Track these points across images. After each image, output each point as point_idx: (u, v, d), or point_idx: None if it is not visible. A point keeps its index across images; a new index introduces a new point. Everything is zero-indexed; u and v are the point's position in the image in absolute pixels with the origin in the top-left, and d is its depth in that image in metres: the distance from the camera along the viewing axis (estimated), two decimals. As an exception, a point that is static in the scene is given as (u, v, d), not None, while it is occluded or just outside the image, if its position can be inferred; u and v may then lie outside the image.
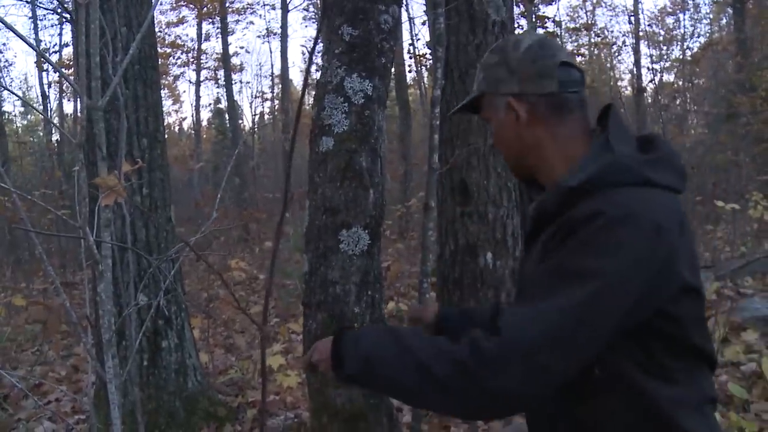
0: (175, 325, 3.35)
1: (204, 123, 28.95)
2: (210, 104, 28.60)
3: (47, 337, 5.81)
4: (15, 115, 24.91)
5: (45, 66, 16.62)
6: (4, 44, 16.61)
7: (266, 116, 28.54)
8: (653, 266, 1.13)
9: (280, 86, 23.68)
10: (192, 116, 29.75)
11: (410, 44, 12.34)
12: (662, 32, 25.13)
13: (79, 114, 20.94)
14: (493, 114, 1.44)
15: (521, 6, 13.97)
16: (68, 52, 19.32)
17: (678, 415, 1.20)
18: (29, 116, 27.67)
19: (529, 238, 1.39)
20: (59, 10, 11.69)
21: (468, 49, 2.98)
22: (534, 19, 13.60)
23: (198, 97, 26.38)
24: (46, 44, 18.82)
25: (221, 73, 23.56)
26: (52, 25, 19.31)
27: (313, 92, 2.01)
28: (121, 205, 2.94)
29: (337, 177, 1.85)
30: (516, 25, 12.78)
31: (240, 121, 19.50)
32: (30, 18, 17.71)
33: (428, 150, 2.49)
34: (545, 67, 1.36)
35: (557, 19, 17.89)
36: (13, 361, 5.50)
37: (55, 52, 18.39)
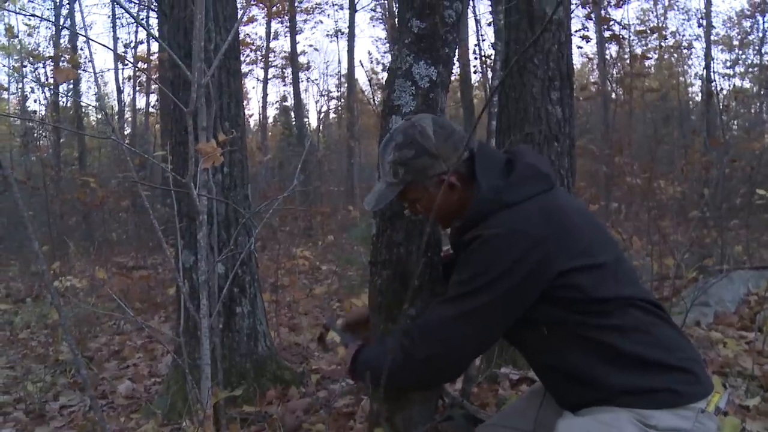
0: (248, 293, 3.66)
1: (270, 120, 29.63)
2: (277, 101, 29.21)
3: (129, 305, 6.22)
4: (91, 110, 25.97)
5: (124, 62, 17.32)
6: (85, 42, 17.44)
7: (332, 115, 29.04)
8: (517, 264, 1.53)
9: (346, 85, 24.12)
10: (259, 113, 30.43)
11: (476, 45, 12.47)
12: (738, 36, 24.51)
13: (151, 108, 21.76)
14: (422, 194, 1.76)
15: (588, 8, 13.96)
16: (142, 49, 20.20)
17: (623, 341, 1.55)
18: (104, 111, 28.77)
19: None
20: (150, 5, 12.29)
21: (526, 45, 3.19)
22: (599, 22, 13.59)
23: (265, 95, 27.04)
24: (123, 41, 19.65)
25: (288, 71, 24.06)
26: (128, 24, 20.09)
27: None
28: (207, 181, 3.26)
29: (404, 151, 2.11)
30: (582, 27, 12.80)
31: (305, 119, 19.96)
32: (109, 17, 18.56)
33: (486, 135, 2.73)
34: (456, 141, 1.73)
35: (624, 22, 17.76)
36: (96, 331, 5.95)
37: (133, 48, 19.25)
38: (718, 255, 6.43)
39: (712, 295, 4.56)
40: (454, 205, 1.74)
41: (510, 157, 1.75)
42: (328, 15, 42.66)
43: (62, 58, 15.43)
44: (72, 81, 18.48)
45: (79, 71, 16.92)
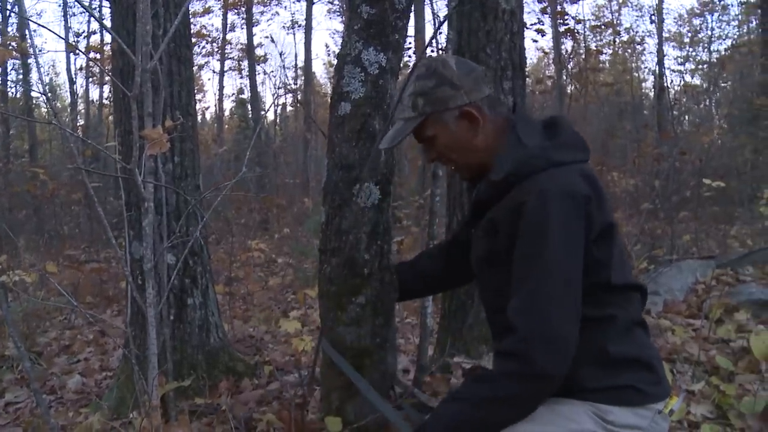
0: (200, 284, 3.61)
1: (226, 113, 29.34)
2: (233, 94, 28.94)
3: (80, 298, 6.11)
4: (42, 100, 25.39)
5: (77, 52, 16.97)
6: (35, 31, 17.05)
7: (288, 107, 28.85)
8: (578, 221, 1.45)
9: (303, 78, 24.00)
10: (215, 106, 30.13)
11: (432, 38, 12.48)
12: (688, 33, 25.08)
13: (104, 100, 21.36)
14: (442, 129, 1.65)
15: (544, 2, 14.12)
16: (95, 39, 19.82)
17: (608, 336, 1.52)
18: (55, 102, 28.20)
19: (471, 221, 1.75)
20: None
21: (479, 35, 3.20)
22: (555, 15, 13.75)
23: (221, 87, 26.86)
24: (75, 30, 19.25)
25: (245, 63, 23.84)
26: (81, 12, 19.69)
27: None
28: (156, 170, 3.20)
29: (353, 137, 2.10)
30: (537, 21, 12.94)
31: (262, 112, 19.79)
32: (60, 5, 18.14)
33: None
34: (478, 75, 1.66)
35: (579, 17, 18.00)
36: (45, 326, 5.82)
37: (85, 38, 18.86)
38: (668, 245, 6.58)
39: (662, 284, 4.66)
40: (476, 148, 1.65)
41: (547, 122, 1.69)
42: (285, 7, 42.09)
43: (10, 46, 15.02)
44: (21, 71, 18.04)
45: (29, 60, 16.55)
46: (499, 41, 3.22)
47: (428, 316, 2.94)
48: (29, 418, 3.45)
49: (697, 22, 24.63)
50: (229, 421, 2.74)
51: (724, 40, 23.61)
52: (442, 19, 2.60)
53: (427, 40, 12.17)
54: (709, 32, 23.38)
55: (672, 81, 18.86)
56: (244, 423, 2.87)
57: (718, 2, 21.95)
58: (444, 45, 3.19)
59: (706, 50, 23.81)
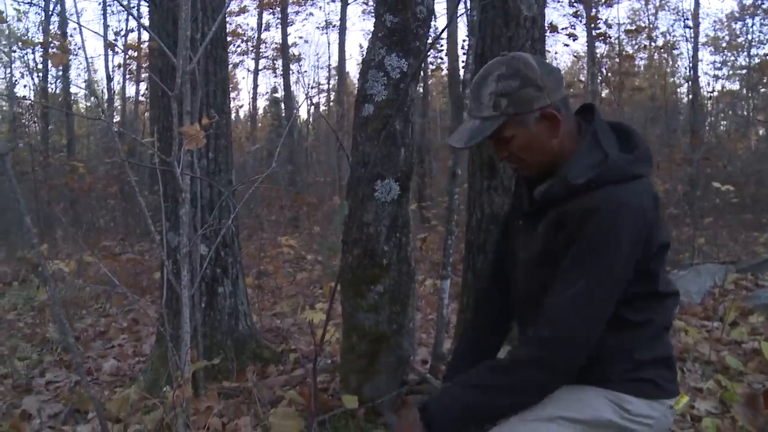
0: (230, 274, 3.80)
1: (260, 111, 29.70)
2: (267, 93, 29.26)
3: (122, 284, 6.34)
4: (80, 97, 25.96)
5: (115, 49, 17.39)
6: (74, 29, 17.50)
7: (322, 107, 29.09)
8: (640, 239, 1.50)
9: (336, 78, 24.24)
10: (249, 104, 30.49)
11: (464, 40, 12.59)
12: (726, 38, 24.75)
13: (140, 96, 21.78)
14: (522, 130, 1.59)
15: (576, 6, 14.13)
16: (132, 37, 20.31)
17: (641, 340, 1.62)
18: (92, 98, 28.83)
19: (532, 215, 1.70)
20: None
21: (501, 41, 3.32)
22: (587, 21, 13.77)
23: (255, 86, 27.12)
24: (113, 29, 19.69)
25: (279, 62, 24.09)
26: (119, 11, 20.12)
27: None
28: (191, 165, 3.39)
29: (375, 137, 2.26)
30: (570, 25, 12.99)
31: (295, 111, 20.00)
32: (100, 3, 18.58)
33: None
34: (557, 76, 1.63)
35: (612, 21, 17.92)
36: (82, 314, 6.08)
37: (123, 36, 19.31)
38: (691, 249, 6.64)
39: (679, 287, 4.70)
40: (551, 149, 1.62)
41: (617, 128, 1.69)
42: (320, 7, 42.35)
43: (52, 44, 15.44)
44: (61, 68, 18.49)
45: (69, 57, 16.99)
46: (521, 47, 3.34)
47: (444, 307, 3.08)
48: (68, 395, 3.67)
49: (735, 26, 24.29)
50: (255, 401, 2.91)
51: (764, 44, 23.25)
52: (467, 26, 2.72)
53: (459, 44, 12.30)
54: (749, 36, 23.04)
55: (708, 85, 18.71)
56: (269, 404, 3.04)
57: (759, 6, 21.56)
58: (466, 51, 3.32)
59: (744, 54, 23.49)
